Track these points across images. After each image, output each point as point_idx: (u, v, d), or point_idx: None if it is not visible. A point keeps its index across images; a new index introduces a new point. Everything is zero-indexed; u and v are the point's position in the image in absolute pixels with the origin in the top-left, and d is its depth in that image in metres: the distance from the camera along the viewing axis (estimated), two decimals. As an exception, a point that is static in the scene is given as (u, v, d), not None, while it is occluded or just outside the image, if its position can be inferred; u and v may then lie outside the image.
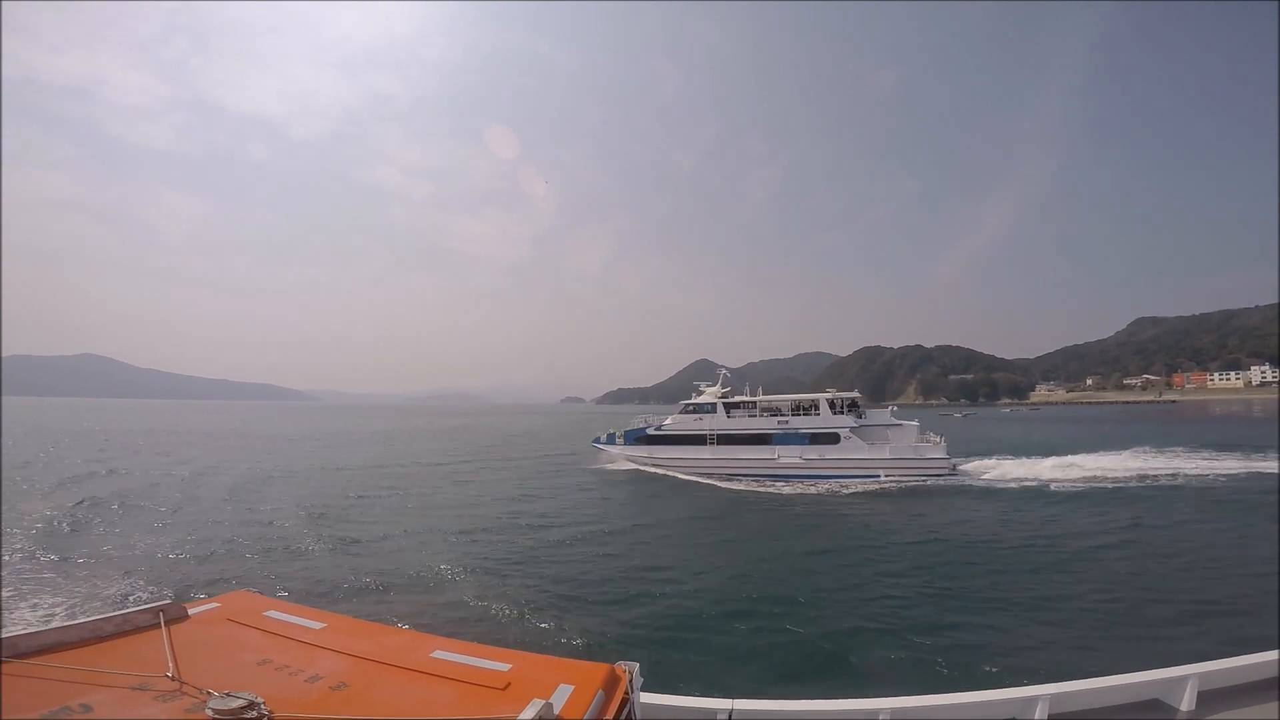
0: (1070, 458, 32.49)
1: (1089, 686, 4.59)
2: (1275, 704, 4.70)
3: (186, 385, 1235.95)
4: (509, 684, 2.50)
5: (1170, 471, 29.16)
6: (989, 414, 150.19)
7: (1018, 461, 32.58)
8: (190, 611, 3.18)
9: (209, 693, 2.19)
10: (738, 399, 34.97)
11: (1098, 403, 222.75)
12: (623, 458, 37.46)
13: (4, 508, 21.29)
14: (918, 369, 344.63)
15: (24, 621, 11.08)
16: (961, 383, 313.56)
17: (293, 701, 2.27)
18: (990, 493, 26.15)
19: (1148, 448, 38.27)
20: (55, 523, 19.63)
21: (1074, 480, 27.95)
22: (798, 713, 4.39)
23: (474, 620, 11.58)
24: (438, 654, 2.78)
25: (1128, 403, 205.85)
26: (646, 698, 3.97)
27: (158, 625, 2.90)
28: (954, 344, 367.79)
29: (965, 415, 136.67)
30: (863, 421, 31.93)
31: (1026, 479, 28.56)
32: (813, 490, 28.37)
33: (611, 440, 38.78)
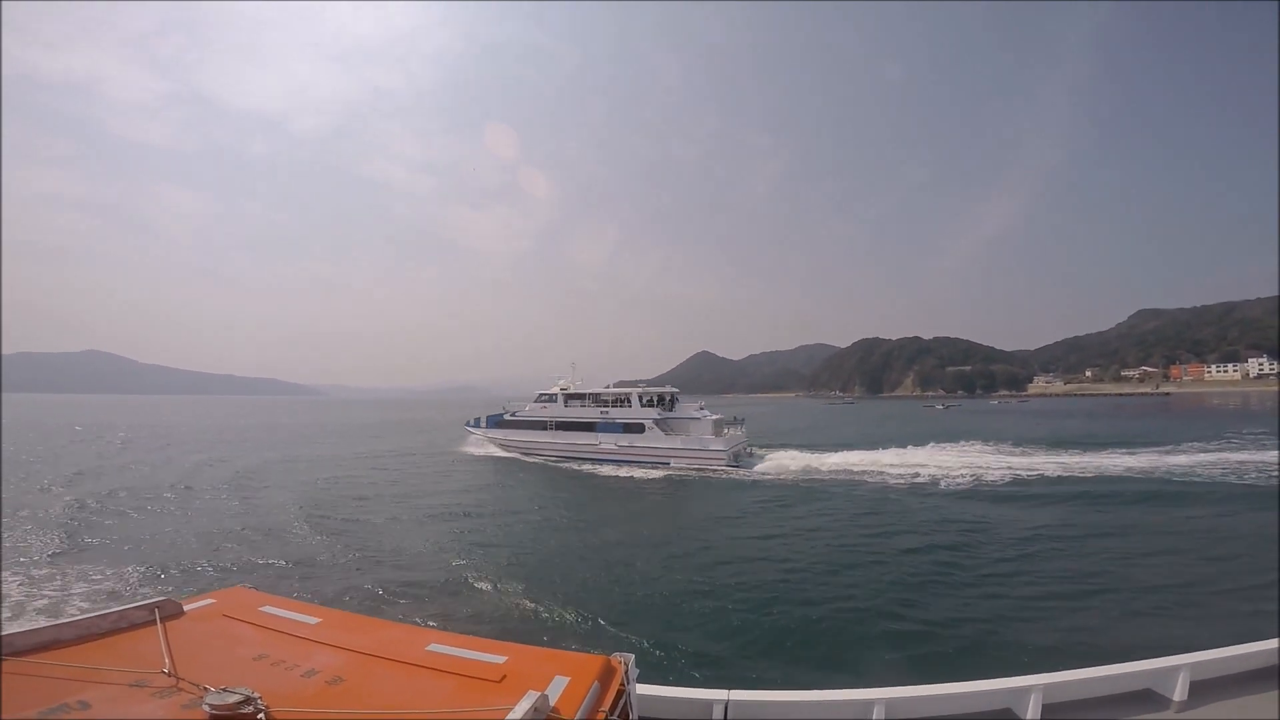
0: (880, 454, 34.27)
1: (1081, 676, 4.55)
2: (1271, 694, 4.60)
3: (191, 380, 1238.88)
4: (504, 676, 2.54)
5: (963, 470, 28.18)
6: (975, 406, 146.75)
7: (813, 455, 34.30)
8: (186, 608, 3.22)
9: (206, 688, 2.22)
10: (578, 391, 38.54)
11: (1094, 394, 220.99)
12: (484, 439, 41.82)
13: (3, 504, 21.40)
14: (915, 360, 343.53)
15: (20, 619, 11.13)
16: (959, 374, 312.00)
17: (289, 696, 2.31)
18: (733, 485, 27.47)
19: (978, 443, 40.03)
20: (52, 519, 19.62)
21: (830, 473, 28.77)
22: (794, 702, 4.35)
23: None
24: (433, 647, 2.82)
25: (1122, 395, 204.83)
26: (643, 689, 3.94)
27: (153, 622, 2.92)
28: (953, 335, 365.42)
29: (946, 407, 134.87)
30: (667, 414, 34.65)
31: (789, 474, 29.63)
32: (624, 474, 31.06)
33: (479, 424, 42.92)
